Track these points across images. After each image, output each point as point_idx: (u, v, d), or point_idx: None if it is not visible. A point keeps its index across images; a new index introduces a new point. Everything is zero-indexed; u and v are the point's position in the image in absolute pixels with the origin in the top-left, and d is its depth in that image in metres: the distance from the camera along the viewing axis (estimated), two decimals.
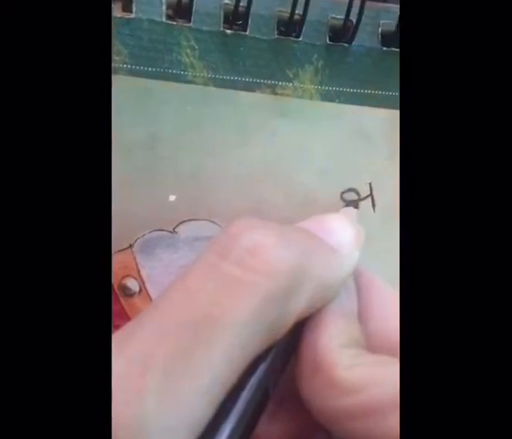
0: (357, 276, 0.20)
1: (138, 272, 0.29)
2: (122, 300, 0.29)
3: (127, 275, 0.29)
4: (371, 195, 0.32)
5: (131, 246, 0.29)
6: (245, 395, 0.16)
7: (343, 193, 0.32)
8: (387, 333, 0.19)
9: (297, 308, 0.17)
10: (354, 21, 0.30)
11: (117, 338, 0.15)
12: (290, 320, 0.17)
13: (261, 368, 0.17)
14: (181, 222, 0.29)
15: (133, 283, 0.29)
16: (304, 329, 0.19)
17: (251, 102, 0.29)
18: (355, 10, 0.30)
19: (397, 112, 0.31)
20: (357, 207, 0.30)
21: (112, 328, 0.16)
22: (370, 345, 0.19)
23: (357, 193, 0.32)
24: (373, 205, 0.32)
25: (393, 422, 0.16)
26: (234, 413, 0.15)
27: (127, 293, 0.29)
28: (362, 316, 0.19)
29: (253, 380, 0.16)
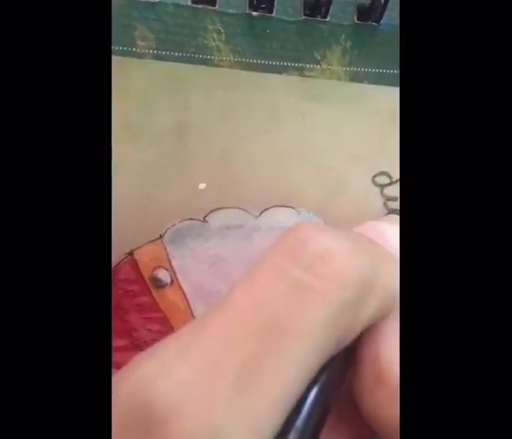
0: None
1: (169, 262, 0.29)
2: (153, 292, 0.29)
3: (158, 266, 0.29)
4: None
5: (161, 236, 0.29)
6: (307, 409, 0.15)
7: (374, 176, 0.31)
8: None
9: (365, 318, 0.16)
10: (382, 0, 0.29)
11: (177, 341, 0.14)
12: (357, 330, 0.16)
13: (322, 380, 0.16)
14: (211, 211, 0.29)
15: (164, 275, 0.29)
16: (363, 341, 0.18)
17: (280, 86, 0.29)
18: None
19: None
20: None
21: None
22: None
23: (389, 176, 0.31)
24: None
25: None
26: (296, 428, 0.15)
27: (158, 284, 0.29)
28: None
29: (315, 393, 0.16)
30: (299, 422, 0.15)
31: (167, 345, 0.14)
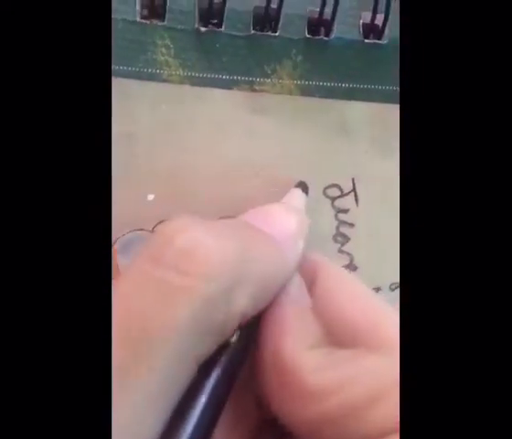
0: (303, 266, 0.19)
1: (118, 271, 0.29)
2: None
3: None
4: (354, 190, 0.32)
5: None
6: (200, 400, 0.16)
7: (325, 189, 0.32)
8: (345, 321, 0.18)
9: (239, 307, 0.16)
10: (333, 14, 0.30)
11: None
12: (234, 321, 0.16)
13: (215, 373, 0.16)
14: (160, 222, 0.29)
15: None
16: (261, 334, 0.18)
17: (228, 100, 0.29)
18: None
19: (378, 106, 0.31)
20: (305, 191, 0.29)
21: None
22: (331, 338, 0.18)
23: (340, 188, 0.32)
24: (356, 200, 0.32)
25: (371, 418, 0.15)
26: (189, 419, 0.15)
27: None
28: (317, 309, 0.18)
29: (207, 385, 0.16)
30: (190, 415, 0.15)
31: None
